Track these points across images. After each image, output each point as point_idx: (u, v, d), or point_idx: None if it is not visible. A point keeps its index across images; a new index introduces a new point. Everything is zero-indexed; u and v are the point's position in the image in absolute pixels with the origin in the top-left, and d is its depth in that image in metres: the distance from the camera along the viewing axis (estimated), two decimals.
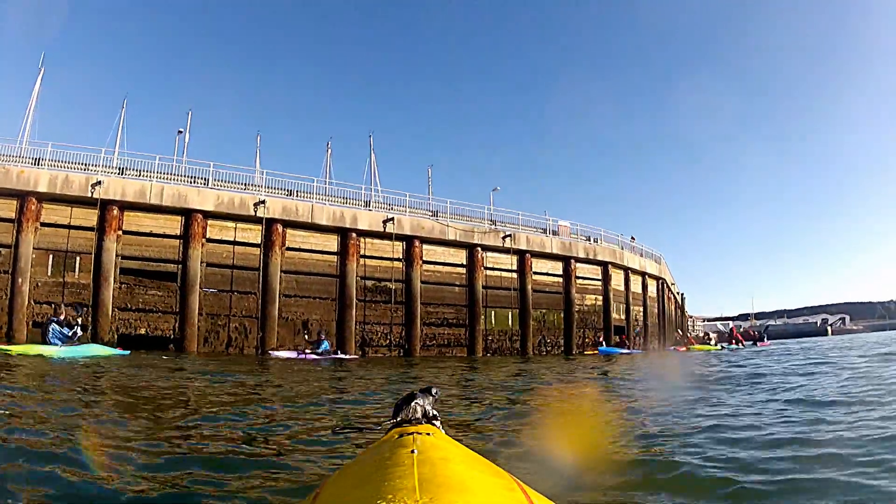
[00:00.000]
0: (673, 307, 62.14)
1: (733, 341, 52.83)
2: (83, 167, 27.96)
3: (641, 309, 49.87)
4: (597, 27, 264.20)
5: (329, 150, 41.71)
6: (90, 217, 26.45)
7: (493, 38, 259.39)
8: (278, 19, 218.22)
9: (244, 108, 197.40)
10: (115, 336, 26.01)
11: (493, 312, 36.81)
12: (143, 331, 26.78)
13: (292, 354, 26.48)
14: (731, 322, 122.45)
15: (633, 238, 49.53)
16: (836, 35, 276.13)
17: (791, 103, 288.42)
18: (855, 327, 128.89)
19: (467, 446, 2.70)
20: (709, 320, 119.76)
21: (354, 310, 31.54)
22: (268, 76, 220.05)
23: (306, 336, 29.22)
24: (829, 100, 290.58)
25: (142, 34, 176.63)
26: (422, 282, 34.06)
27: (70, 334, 20.30)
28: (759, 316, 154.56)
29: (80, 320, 21.48)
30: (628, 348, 41.60)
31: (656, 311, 53.66)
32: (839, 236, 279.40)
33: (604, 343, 40.63)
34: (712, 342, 54.12)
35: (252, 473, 5.15)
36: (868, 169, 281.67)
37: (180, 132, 35.07)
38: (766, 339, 58.82)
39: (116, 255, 26.75)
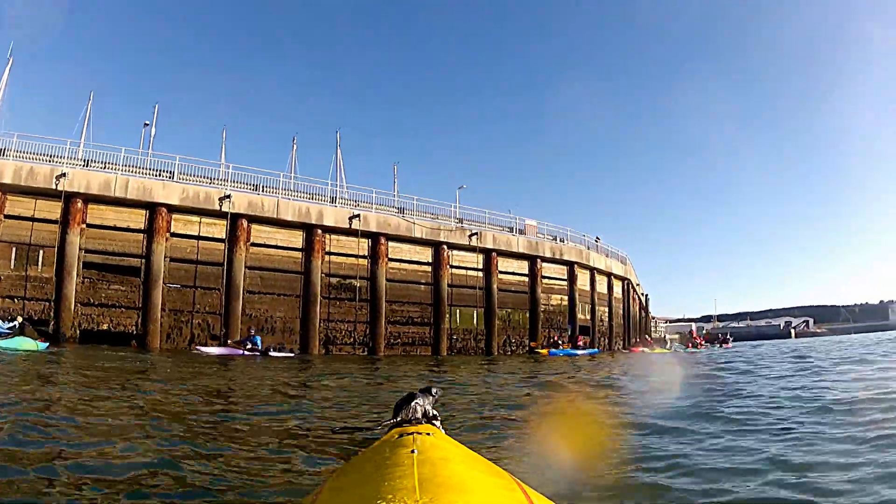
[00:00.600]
0: (637, 308, 63.42)
1: (690, 344, 52.97)
2: (48, 159, 28.35)
3: (607, 309, 51.46)
4: (589, 27, 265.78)
5: (295, 147, 42.31)
6: (54, 210, 26.84)
7: (465, 37, 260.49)
8: (246, 14, 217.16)
9: (211, 102, 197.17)
10: (78, 332, 26.52)
11: (458, 311, 37.88)
12: (105, 326, 27.28)
13: (222, 350, 26.80)
14: (692, 324, 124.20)
15: (598, 239, 50.89)
16: (837, 36, 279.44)
17: (787, 104, 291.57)
18: (819, 330, 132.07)
19: (466, 446, 2.80)
20: (672, 321, 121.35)
21: (319, 307, 32.30)
22: (235, 71, 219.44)
23: (251, 331, 28.99)
24: (823, 101, 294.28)
25: (109, 27, 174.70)
26: (387, 279, 34.92)
27: (8, 328, 20.85)
28: (721, 318, 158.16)
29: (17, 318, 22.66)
30: (583, 348, 42.32)
31: (621, 311, 55.08)
32: (806, 242, 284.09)
33: (561, 343, 41.42)
34: (667, 346, 54.07)
35: (252, 474, 5.37)
36: (843, 177, 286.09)
37: (146, 125, 35.47)
38: (730, 342, 59.62)
39: (80, 249, 27.15)
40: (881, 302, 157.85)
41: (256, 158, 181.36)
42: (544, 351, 38.55)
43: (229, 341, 28.31)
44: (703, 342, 59.56)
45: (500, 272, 40.23)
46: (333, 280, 33.32)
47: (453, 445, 2.68)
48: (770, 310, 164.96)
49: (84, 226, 27.46)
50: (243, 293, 30.35)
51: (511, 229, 42.45)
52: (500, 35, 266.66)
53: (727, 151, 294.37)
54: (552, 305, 43.59)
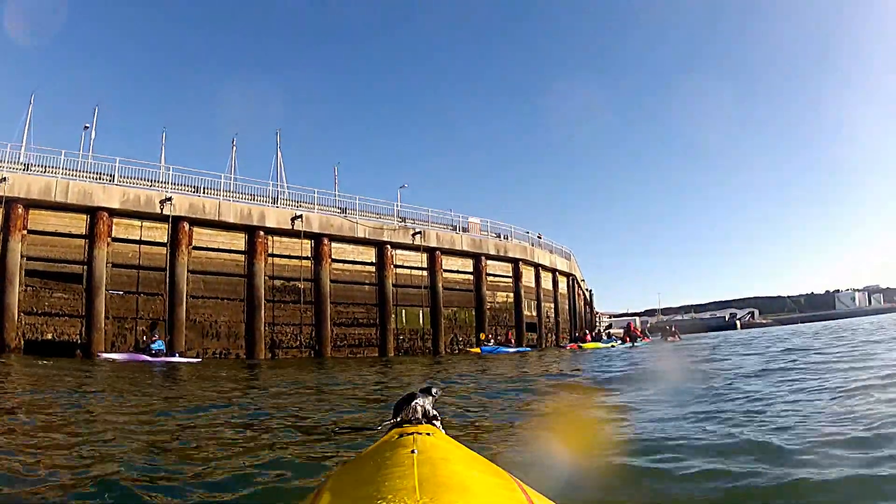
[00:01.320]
0: (582, 303, 65.10)
1: (628, 338, 52.69)
2: None
3: (553, 305, 53.46)
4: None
5: (234, 148, 42.69)
6: None
7: (408, 32, 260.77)
8: (184, 13, 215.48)
9: (150, 104, 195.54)
10: (22, 342, 26.87)
11: (403, 311, 39.26)
12: (49, 336, 27.63)
13: (125, 357, 26.72)
14: (636, 318, 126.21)
15: (540, 236, 52.65)
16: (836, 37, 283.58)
17: (788, 106, 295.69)
18: (764, 321, 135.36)
19: (466, 446, 2.77)
20: (616, 316, 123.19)
21: (263, 310, 33.16)
22: (173, 72, 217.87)
23: (153, 335, 28.54)
24: (826, 102, 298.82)
25: (46, 29, 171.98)
26: (331, 281, 36.00)
27: None
28: (665, 311, 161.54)
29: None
30: (514, 346, 43.06)
31: (567, 307, 56.75)
32: (749, 233, 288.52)
33: (491, 341, 42.06)
34: (604, 341, 52.80)
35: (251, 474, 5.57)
36: (786, 166, 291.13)
37: (87, 127, 35.65)
38: (677, 336, 59.47)
39: (22, 256, 27.43)
40: (827, 292, 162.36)
41: (197, 160, 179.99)
42: (475, 349, 39.63)
43: (141, 344, 28.35)
44: (643, 335, 59.63)
45: (445, 271, 41.63)
46: (277, 282, 34.20)
47: (453, 445, 2.67)
48: (714, 302, 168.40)
49: (25, 232, 27.68)
50: (187, 298, 30.97)
51: (454, 227, 43.93)
52: (443, 29, 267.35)
53: (674, 142, 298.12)
54: (498, 303, 45.26)
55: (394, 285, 38.56)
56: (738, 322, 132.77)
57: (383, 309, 37.77)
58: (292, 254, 34.93)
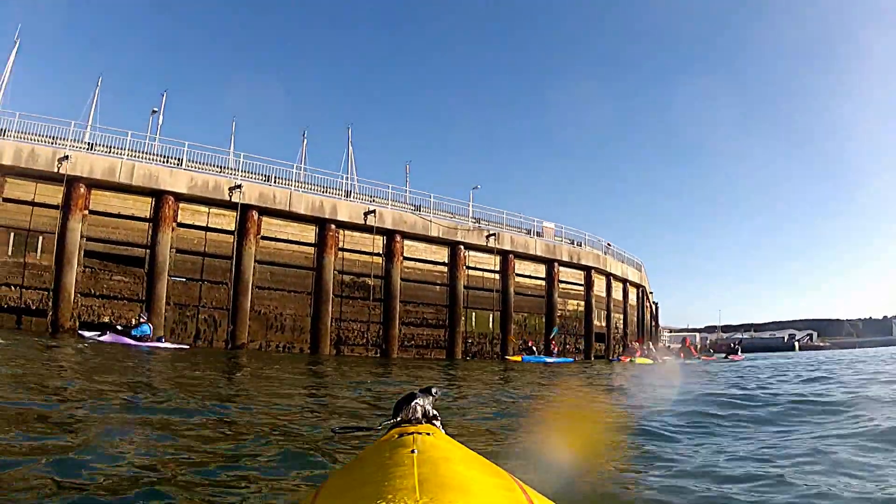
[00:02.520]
0: (649, 316, 62.27)
1: (683, 354, 49.42)
2: (51, 141, 27.18)
3: (622, 316, 50.31)
4: (594, 29, 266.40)
5: (304, 141, 40.89)
6: (55, 194, 25.65)
7: (481, 39, 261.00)
8: (257, 4, 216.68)
9: (220, 94, 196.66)
10: (77, 324, 25.18)
11: (473, 314, 36.77)
12: (106, 319, 25.88)
13: (108, 338, 23.42)
14: (696, 334, 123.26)
15: (609, 244, 49.40)
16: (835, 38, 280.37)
17: (790, 108, 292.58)
18: (822, 344, 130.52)
19: (466, 446, 2.68)
20: (676, 331, 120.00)
21: (331, 305, 31.14)
22: (244, 65, 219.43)
23: (141, 317, 25.41)
24: (826, 105, 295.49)
25: (118, 16, 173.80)
26: (402, 279, 33.81)
27: None
28: (725, 329, 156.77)
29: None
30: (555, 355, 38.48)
31: (635, 318, 53.87)
32: (812, 256, 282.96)
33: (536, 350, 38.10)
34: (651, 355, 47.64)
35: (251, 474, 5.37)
36: (850, 189, 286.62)
37: (154, 112, 34.20)
38: (739, 353, 56.97)
39: (81, 237, 25.95)
40: (885, 317, 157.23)
41: (266, 153, 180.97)
42: (517, 357, 35.72)
43: (119, 327, 24.81)
44: (696, 352, 56.64)
45: (517, 275, 39.17)
46: (346, 278, 32.12)
47: (453, 445, 2.63)
48: (773, 322, 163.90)
49: (86, 212, 26.24)
50: (252, 288, 29.13)
51: (528, 231, 41.36)
52: (504, 40, 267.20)
53: (732, 159, 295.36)
54: (569, 311, 42.57)
55: (465, 287, 36.19)
56: (796, 343, 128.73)
57: (453, 311, 35.46)
58: (363, 249, 32.79)
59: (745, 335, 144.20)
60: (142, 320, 25.01)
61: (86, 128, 28.80)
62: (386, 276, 33.22)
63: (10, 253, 24.84)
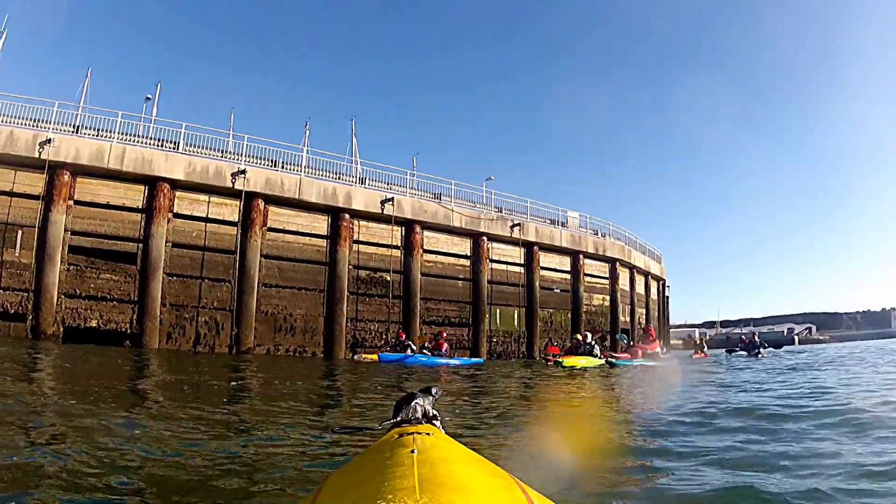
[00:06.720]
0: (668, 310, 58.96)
1: (699, 351, 42.76)
2: (34, 124, 23.57)
3: (644, 311, 47.08)
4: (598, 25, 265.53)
5: (307, 132, 37.08)
6: (37, 183, 22.07)
7: (489, 32, 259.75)
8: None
9: (217, 87, 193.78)
10: (62, 329, 21.75)
11: (498, 311, 33.13)
12: (94, 323, 22.33)
13: None
14: (696, 329, 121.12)
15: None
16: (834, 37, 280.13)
17: (790, 107, 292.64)
18: (821, 337, 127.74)
19: (467, 446, 2.58)
20: (675, 327, 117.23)
21: (346, 304, 27.58)
22: (242, 58, 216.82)
23: None
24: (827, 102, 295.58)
25: (114, 6, 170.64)
26: (422, 273, 30.28)
27: None
28: (724, 324, 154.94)
29: None
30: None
31: (657, 313, 50.44)
32: (805, 249, 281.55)
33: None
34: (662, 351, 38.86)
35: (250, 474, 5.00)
36: (844, 183, 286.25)
37: (148, 99, 30.35)
38: (761, 350, 44.76)
39: (65, 230, 22.35)
40: (883, 309, 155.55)
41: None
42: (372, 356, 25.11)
43: None
44: (698, 350, 48.29)
45: (542, 268, 35.58)
46: (362, 273, 28.50)
47: (453, 445, 2.54)
48: (771, 316, 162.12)
49: (71, 202, 22.62)
50: (258, 286, 25.53)
51: (553, 221, 37.65)
52: (507, 38, 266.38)
53: (727, 154, 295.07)
54: (594, 306, 39.04)
55: (489, 281, 32.58)
56: (795, 337, 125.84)
57: (477, 307, 31.87)
58: (380, 241, 29.21)
59: (745, 330, 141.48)
60: None
61: (77, 110, 25.01)
62: (405, 270, 29.66)
63: None
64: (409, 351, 25.13)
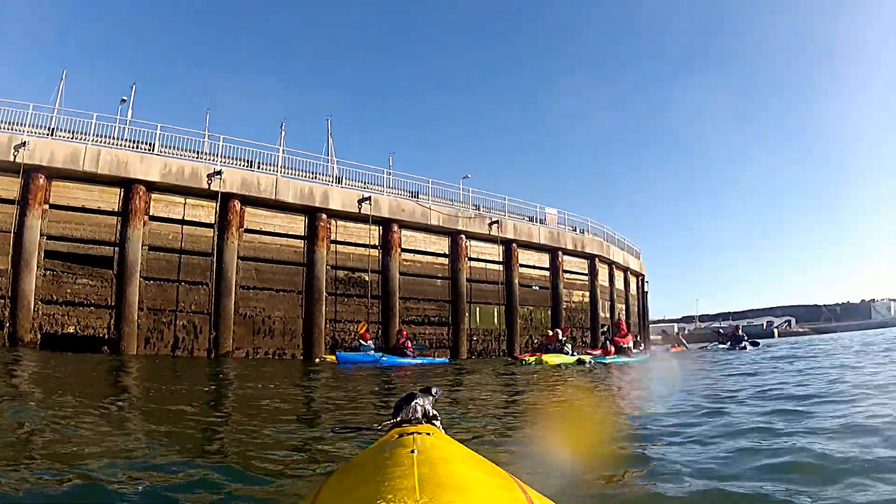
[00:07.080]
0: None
1: (676, 345, 42.97)
2: (8, 127, 23.15)
3: (624, 307, 47.31)
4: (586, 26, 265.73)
5: (283, 133, 36.90)
6: (11, 187, 21.74)
7: (472, 36, 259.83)
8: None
9: (192, 87, 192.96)
10: (39, 336, 21.52)
11: (478, 309, 33.19)
12: (71, 329, 22.12)
13: None
14: (675, 325, 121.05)
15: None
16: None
17: (777, 102, 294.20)
18: (801, 329, 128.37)
19: (467, 446, 2.53)
20: (653, 322, 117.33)
21: (324, 305, 27.50)
22: (216, 58, 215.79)
23: None
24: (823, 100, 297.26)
25: (87, 9, 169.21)
26: (400, 273, 30.25)
27: None
28: (703, 318, 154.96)
29: None
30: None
31: (636, 309, 50.57)
32: (784, 241, 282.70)
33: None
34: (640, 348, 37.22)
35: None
36: (825, 178, 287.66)
37: (123, 101, 30.04)
38: (746, 344, 43.42)
39: (41, 235, 22.08)
40: (862, 301, 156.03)
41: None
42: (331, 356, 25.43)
43: None
44: (678, 345, 47.91)
45: (521, 265, 35.69)
46: (340, 273, 28.40)
47: (453, 445, 2.49)
48: (750, 310, 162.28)
49: (46, 206, 22.37)
50: (236, 289, 25.35)
51: (531, 218, 37.68)
52: (495, 36, 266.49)
53: (706, 151, 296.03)
54: (574, 302, 39.17)
55: (468, 280, 32.61)
56: (775, 330, 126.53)
57: (456, 306, 31.88)
58: (358, 241, 29.14)
59: (724, 324, 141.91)
60: None
61: (52, 112, 24.72)
62: (384, 269, 29.63)
63: None
64: (369, 351, 25.38)
